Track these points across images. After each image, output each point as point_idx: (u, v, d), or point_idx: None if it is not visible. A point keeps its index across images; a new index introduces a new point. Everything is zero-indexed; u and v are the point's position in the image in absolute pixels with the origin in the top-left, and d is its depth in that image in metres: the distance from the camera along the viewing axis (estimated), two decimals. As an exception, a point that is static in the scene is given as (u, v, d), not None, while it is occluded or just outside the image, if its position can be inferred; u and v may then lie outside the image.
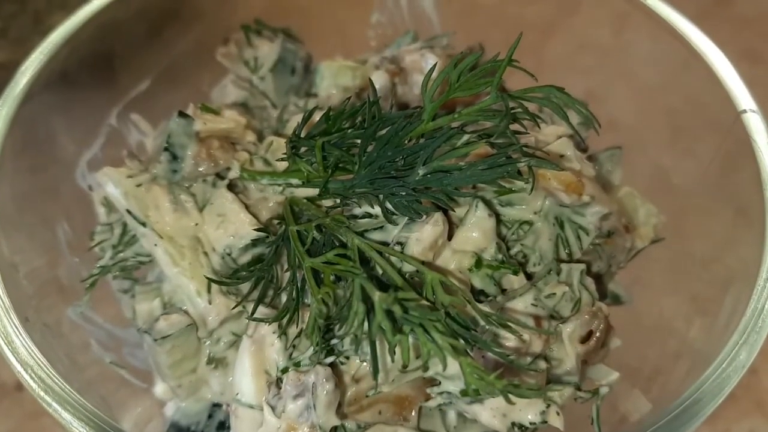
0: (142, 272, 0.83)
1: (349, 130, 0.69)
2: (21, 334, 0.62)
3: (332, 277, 0.64)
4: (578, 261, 0.74)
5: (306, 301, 0.69)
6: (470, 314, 0.63)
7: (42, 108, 0.82)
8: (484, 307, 0.64)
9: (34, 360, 0.61)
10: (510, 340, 0.65)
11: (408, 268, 0.66)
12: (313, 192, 0.75)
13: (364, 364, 0.70)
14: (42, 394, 0.58)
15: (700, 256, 0.87)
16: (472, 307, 0.61)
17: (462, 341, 0.58)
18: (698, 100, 0.88)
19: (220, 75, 0.98)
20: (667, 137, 0.94)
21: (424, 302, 0.61)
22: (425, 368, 0.63)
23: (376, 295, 0.58)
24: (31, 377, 0.59)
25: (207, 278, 0.71)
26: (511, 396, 0.60)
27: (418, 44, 0.93)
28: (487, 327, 0.63)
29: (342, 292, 0.65)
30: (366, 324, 0.60)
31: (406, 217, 0.70)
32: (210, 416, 0.76)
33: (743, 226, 0.81)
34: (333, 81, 0.91)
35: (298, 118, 0.77)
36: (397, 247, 0.69)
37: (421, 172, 0.67)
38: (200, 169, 0.77)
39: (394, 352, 0.57)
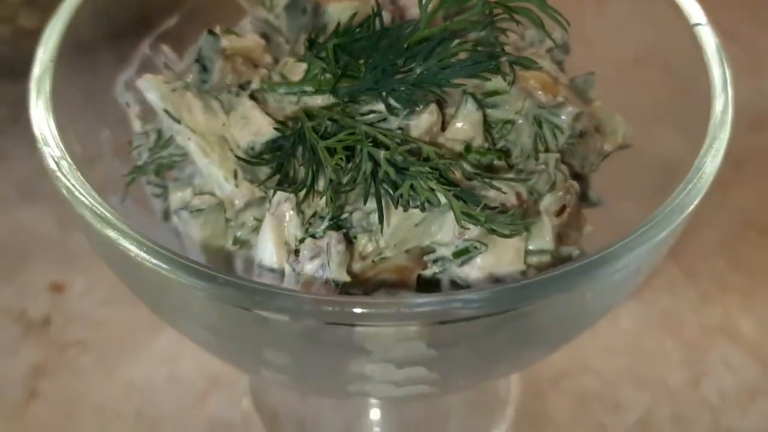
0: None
1: (357, 30, 0.82)
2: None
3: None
4: (555, 153, 0.86)
5: (319, 188, 0.81)
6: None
7: (86, 31, 0.93)
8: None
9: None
10: (494, 202, 0.77)
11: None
12: (325, 103, 0.86)
13: (369, 245, 0.81)
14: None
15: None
16: (460, 166, 0.73)
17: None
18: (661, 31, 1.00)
19: (239, 18, 1.10)
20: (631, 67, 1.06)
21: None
22: (422, 209, 0.74)
23: (381, 153, 0.70)
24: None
25: (236, 156, 0.83)
26: (494, 255, 0.72)
27: (414, -17, 1.05)
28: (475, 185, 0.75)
29: (352, 165, 0.76)
30: (373, 184, 0.72)
31: (406, 111, 0.81)
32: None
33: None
34: (339, 19, 1.03)
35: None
36: (399, 132, 0.81)
37: (418, 70, 0.79)
38: (226, 80, 0.89)
39: (398, 200, 0.69)
